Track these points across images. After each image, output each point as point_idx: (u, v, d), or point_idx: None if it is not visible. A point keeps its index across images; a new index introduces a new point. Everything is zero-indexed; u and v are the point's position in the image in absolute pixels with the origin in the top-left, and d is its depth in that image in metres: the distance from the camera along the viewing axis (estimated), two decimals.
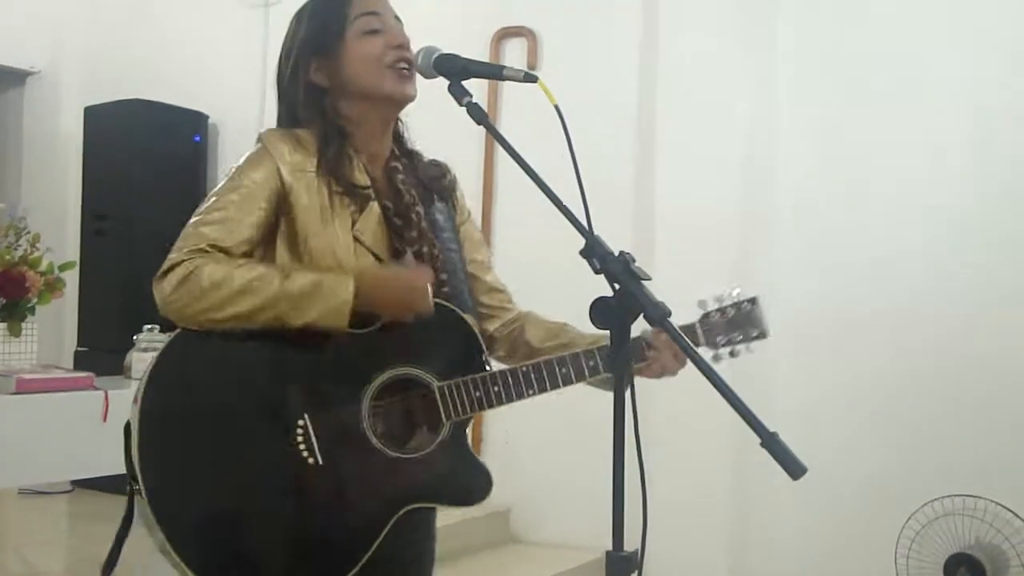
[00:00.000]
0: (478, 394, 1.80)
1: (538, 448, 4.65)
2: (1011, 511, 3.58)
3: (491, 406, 1.81)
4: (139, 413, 1.71)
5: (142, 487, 1.71)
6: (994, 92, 3.91)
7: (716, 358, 1.92)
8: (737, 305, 1.93)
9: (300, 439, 1.75)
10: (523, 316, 2.10)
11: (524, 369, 1.82)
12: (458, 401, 1.79)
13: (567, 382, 1.84)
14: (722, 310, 1.93)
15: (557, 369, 1.83)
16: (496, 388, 1.81)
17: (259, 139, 1.86)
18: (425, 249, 1.89)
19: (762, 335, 1.94)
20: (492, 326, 2.08)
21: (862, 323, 4.06)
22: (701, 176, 4.43)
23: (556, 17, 4.79)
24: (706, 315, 1.92)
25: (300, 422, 1.75)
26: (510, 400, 1.82)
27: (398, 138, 2.01)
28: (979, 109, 3.93)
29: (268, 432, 1.75)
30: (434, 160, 2.06)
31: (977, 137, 3.93)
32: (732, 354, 1.94)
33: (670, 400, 4.22)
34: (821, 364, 4.16)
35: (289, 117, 1.92)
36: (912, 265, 4.02)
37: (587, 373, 1.84)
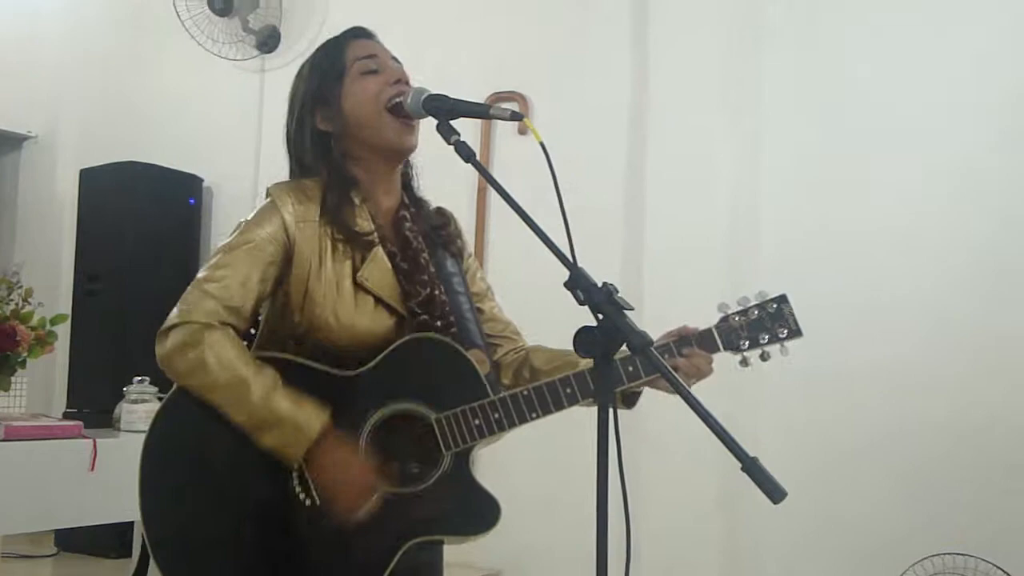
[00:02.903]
0: (477, 422, 1.79)
1: (528, 510, 4.60)
2: (1004, 571, 3.56)
3: (492, 432, 1.80)
4: (141, 460, 1.77)
5: (144, 533, 1.75)
6: (983, 148, 3.94)
7: (744, 363, 1.87)
8: (761, 305, 1.88)
9: (296, 482, 1.77)
10: (530, 346, 2.11)
11: (526, 393, 1.81)
12: (456, 431, 1.79)
13: (572, 401, 1.81)
14: (744, 311, 1.88)
15: (561, 389, 1.80)
16: (496, 415, 1.80)
17: (268, 193, 1.90)
18: (436, 292, 1.91)
19: (793, 334, 1.86)
20: (496, 355, 2.07)
21: (855, 376, 4.04)
22: (688, 232, 4.46)
23: (547, 82, 4.87)
24: (725, 318, 1.88)
25: (295, 465, 1.77)
26: (512, 425, 1.80)
27: (407, 186, 2.05)
28: (966, 162, 3.96)
29: (266, 478, 1.77)
30: (439, 208, 2.10)
31: (964, 189, 3.95)
32: (762, 357, 1.88)
33: (658, 444, 4.22)
34: (813, 416, 4.14)
35: (299, 168, 1.96)
36: (902, 320, 4.00)
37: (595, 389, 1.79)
